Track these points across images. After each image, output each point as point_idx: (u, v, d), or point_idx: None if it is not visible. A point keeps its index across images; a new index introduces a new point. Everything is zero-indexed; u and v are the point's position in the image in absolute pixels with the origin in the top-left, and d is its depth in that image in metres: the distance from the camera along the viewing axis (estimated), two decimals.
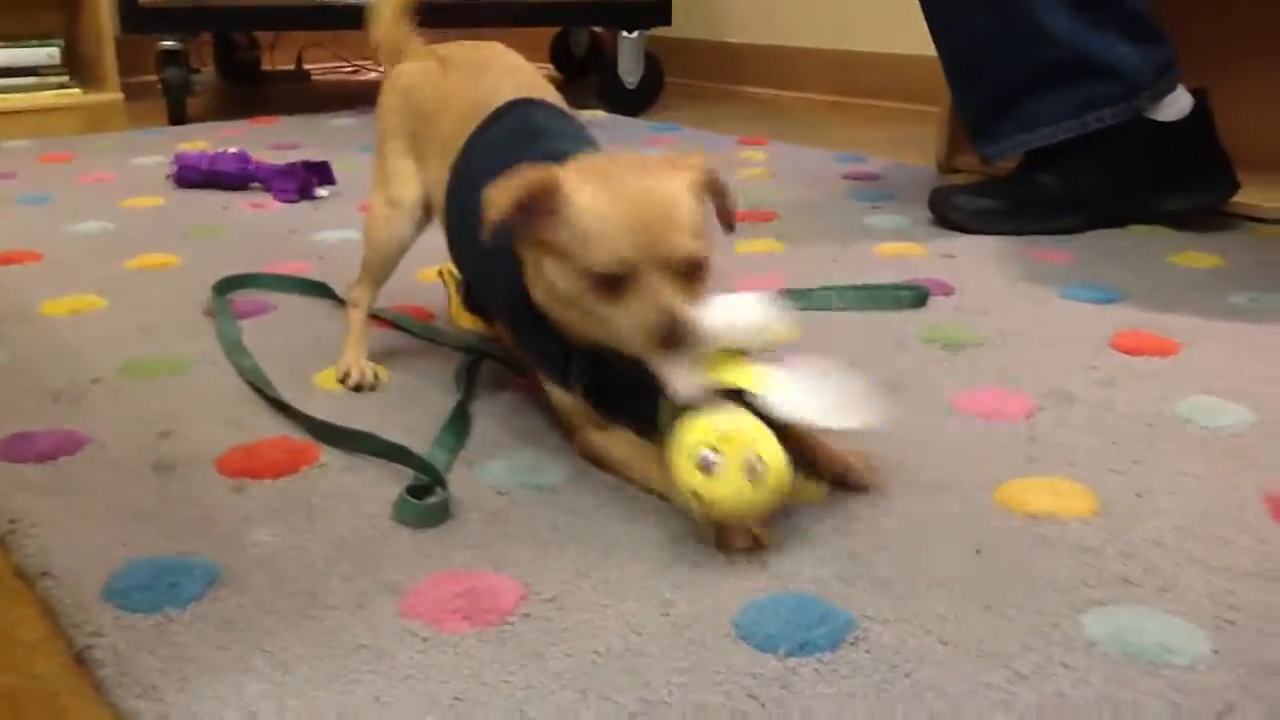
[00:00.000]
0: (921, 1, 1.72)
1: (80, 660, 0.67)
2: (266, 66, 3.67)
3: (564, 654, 0.66)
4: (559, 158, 0.87)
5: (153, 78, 2.89)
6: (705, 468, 0.72)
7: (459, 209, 0.94)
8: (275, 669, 0.65)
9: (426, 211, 1.06)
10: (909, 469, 0.90)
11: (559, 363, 0.87)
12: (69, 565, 0.75)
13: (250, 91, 3.44)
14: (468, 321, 0.97)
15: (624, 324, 0.77)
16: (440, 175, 0.98)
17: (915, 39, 1.76)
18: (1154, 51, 1.63)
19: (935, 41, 1.75)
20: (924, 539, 0.79)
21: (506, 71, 1.02)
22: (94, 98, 3.11)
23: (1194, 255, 1.54)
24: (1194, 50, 1.72)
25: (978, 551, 0.78)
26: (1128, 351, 1.16)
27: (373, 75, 3.77)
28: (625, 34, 2.87)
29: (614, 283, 0.77)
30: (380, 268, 1.09)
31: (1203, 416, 1.00)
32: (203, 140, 2.39)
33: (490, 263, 0.90)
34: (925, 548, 0.78)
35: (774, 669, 0.65)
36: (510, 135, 0.94)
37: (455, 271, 1.01)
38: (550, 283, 0.82)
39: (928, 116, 2.38)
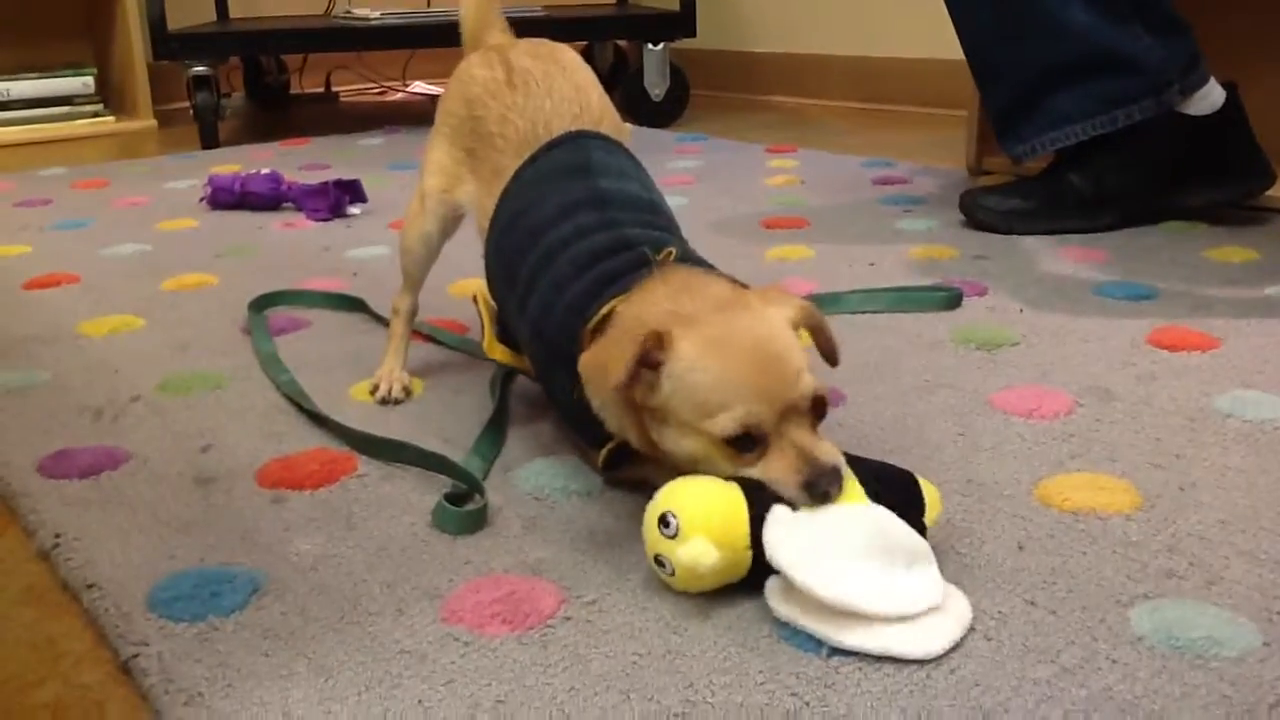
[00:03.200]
0: (948, 3, 1.72)
1: (126, 670, 0.67)
2: (295, 90, 3.71)
3: (605, 656, 0.66)
4: (607, 199, 0.87)
5: (184, 104, 2.93)
6: (665, 526, 0.70)
7: (499, 244, 0.93)
8: (318, 675, 0.65)
9: (452, 206, 1.04)
10: (949, 467, 0.89)
11: (597, 441, 0.85)
12: (113, 577, 0.76)
13: (280, 115, 3.47)
14: (500, 354, 0.96)
15: (769, 479, 0.72)
16: (489, 202, 0.96)
17: (938, 44, 1.76)
18: (1179, 43, 1.62)
19: (960, 40, 1.74)
20: (966, 536, 0.78)
21: (571, 93, 0.98)
22: (127, 125, 3.15)
23: (1229, 249, 1.52)
24: (1224, 42, 1.71)
25: (1020, 548, 0.77)
26: (1166, 347, 1.15)
27: (399, 95, 3.80)
28: (650, 46, 2.88)
29: (748, 443, 0.72)
30: (412, 268, 1.09)
31: (1244, 410, 0.99)
32: (234, 163, 2.41)
33: (546, 354, 0.87)
34: (967, 545, 0.77)
35: (817, 668, 0.64)
36: (559, 170, 0.92)
37: (490, 300, 0.99)
38: (665, 445, 0.76)
39: (954, 121, 2.37)
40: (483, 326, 0.96)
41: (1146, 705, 0.61)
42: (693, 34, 2.93)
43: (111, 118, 3.17)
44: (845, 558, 0.67)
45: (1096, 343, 1.18)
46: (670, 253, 0.82)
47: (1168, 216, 1.67)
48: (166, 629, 0.69)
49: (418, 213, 1.06)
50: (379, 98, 3.81)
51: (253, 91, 3.54)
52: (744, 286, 0.82)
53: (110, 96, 3.21)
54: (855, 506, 0.70)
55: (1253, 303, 1.30)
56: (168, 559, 0.78)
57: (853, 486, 0.71)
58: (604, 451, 0.84)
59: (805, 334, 0.80)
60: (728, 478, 0.72)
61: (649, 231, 0.86)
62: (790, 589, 0.67)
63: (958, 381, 1.08)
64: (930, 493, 0.74)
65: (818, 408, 0.74)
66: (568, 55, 1.03)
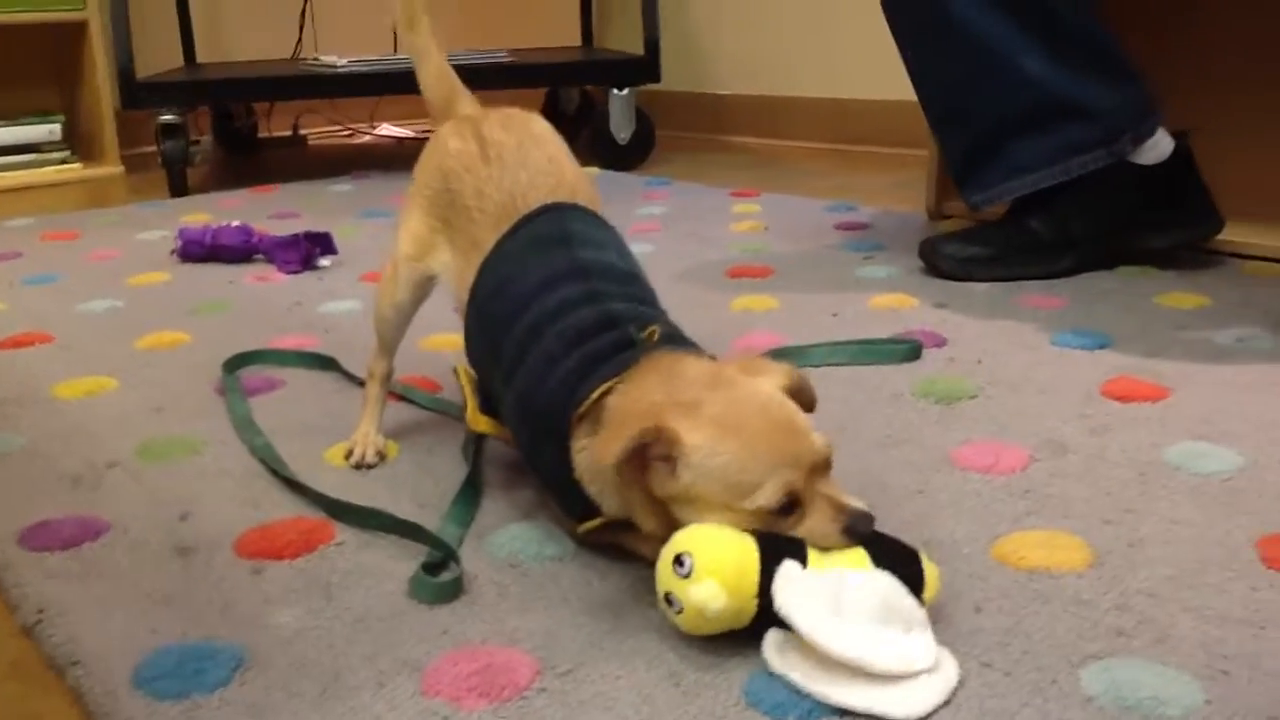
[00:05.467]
0: (900, 49, 1.77)
1: None
2: (263, 133, 3.73)
3: None
4: (588, 270, 0.90)
5: (151, 149, 2.94)
6: (679, 565, 0.74)
7: (482, 314, 0.96)
8: None
9: (424, 274, 1.06)
10: (910, 525, 0.92)
11: (578, 515, 0.88)
12: (97, 653, 0.77)
13: (248, 159, 3.49)
14: (483, 425, 0.98)
15: (811, 533, 0.76)
16: (468, 273, 0.98)
17: (902, 85, 1.80)
18: (1132, 93, 1.68)
19: (916, 89, 1.79)
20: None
21: (545, 165, 1.01)
22: (94, 171, 3.16)
23: (1180, 296, 1.57)
24: (1177, 90, 1.77)
25: (977, 610, 0.80)
26: (1118, 398, 1.19)
27: (367, 138, 3.83)
28: (616, 91, 2.92)
29: (789, 508, 0.75)
30: (386, 333, 1.11)
31: (1192, 463, 1.03)
32: (204, 213, 2.43)
33: (533, 428, 0.89)
34: (928, 606, 0.80)
35: None
36: (538, 241, 0.95)
37: (471, 372, 1.02)
38: (679, 522, 0.79)
39: (916, 160, 2.42)
40: (464, 398, 0.99)
41: None
42: (657, 79, 2.98)
43: (79, 164, 3.17)
44: (850, 617, 0.71)
45: (1052, 394, 1.21)
46: (654, 331, 0.85)
47: (1122, 260, 1.72)
48: (152, 708, 0.71)
49: (390, 279, 1.08)
50: (347, 140, 3.83)
51: (221, 136, 3.55)
52: (713, 359, 0.85)
53: (77, 143, 3.22)
54: (860, 571, 0.74)
55: (1202, 351, 1.34)
56: (150, 633, 0.80)
57: (858, 552, 0.75)
58: (586, 525, 0.87)
59: None
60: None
61: (633, 306, 0.90)
62: (787, 646, 0.72)
63: (918, 437, 1.11)
64: (930, 571, 0.77)
65: (829, 465, 0.78)
66: (539, 126, 1.06)
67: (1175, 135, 1.70)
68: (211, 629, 0.80)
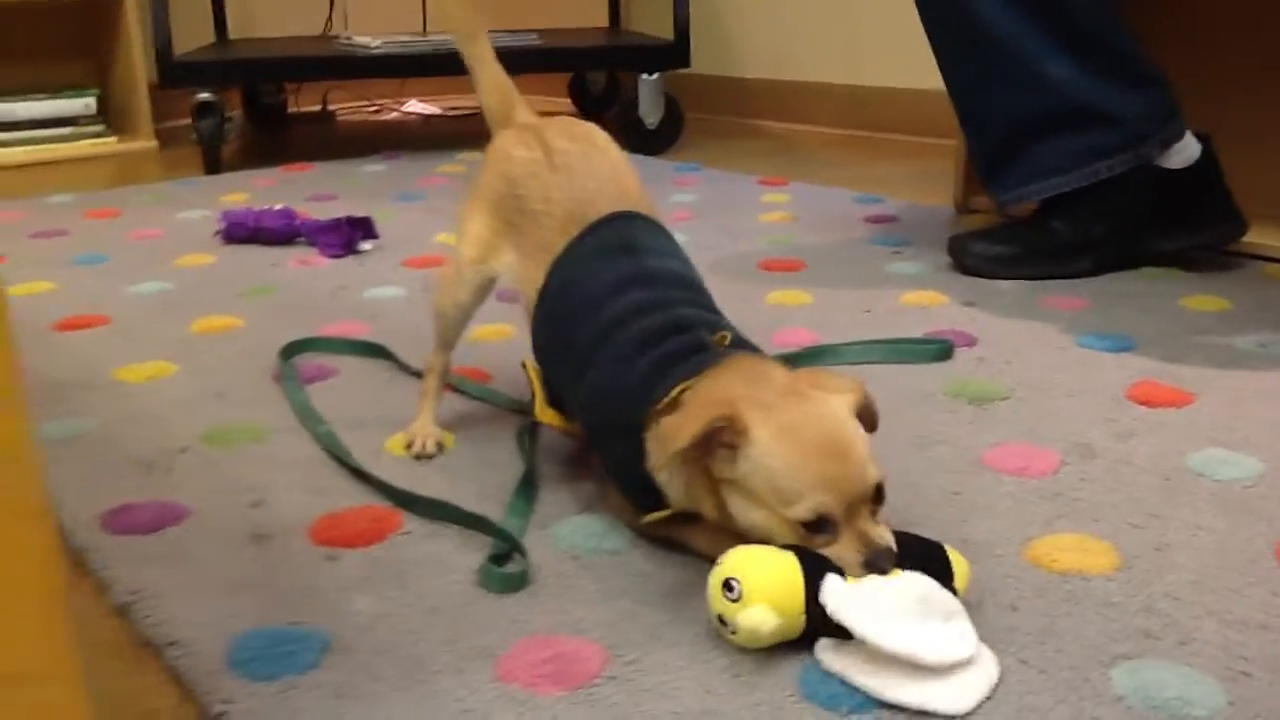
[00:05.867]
0: (934, 50, 1.80)
1: None
2: (292, 109, 3.78)
3: (647, 715, 0.74)
4: (655, 277, 0.96)
5: (182, 122, 2.99)
6: (729, 590, 0.79)
7: (551, 314, 1.01)
8: None
9: (487, 275, 1.11)
10: (947, 526, 0.97)
11: (645, 508, 0.92)
12: (191, 635, 0.83)
13: (277, 135, 3.53)
14: (550, 418, 1.03)
15: (835, 556, 0.80)
16: (536, 274, 1.03)
17: (922, 73, 1.84)
18: (1157, 97, 1.71)
19: (947, 88, 1.83)
20: (964, 598, 0.86)
21: (609, 175, 1.06)
22: (129, 146, 3.21)
23: (1202, 298, 1.61)
24: (1198, 93, 1.80)
25: (1013, 608, 0.85)
26: (1143, 403, 1.24)
27: (394, 115, 3.87)
28: (645, 76, 2.95)
29: (820, 527, 0.80)
30: (447, 330, 1.16)
31: (1214, 469, 1.08)
32: (241, 192, 2.48)
33: (606, 424, 0.94)
34: (967, 606, 0.85)
35: None
36: (606, 248, 1.00)
37: (537, 367, 1.07)
38: (724, 507, 0.85)
39: (942, 150, 2.46)
40: (532, 393, 1.04)
41: None
42: (687, 64, 3.01)
43: (114, 139, 3.22)
44: (896, 616, 0.76)
45: (1079, 397, 1.26)
46: (725, 336, 0.91)
47: (1145, 262, 1.77)
48: (249, 687, 0.77)
49: (453, 280, 1.13)
50: (374, 116, 3.87)
51: (250, 111, 3.60)
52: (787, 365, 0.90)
53: (111, 117, 3.27)
54: (897, 575, 0.79)
55: (1224, 356, 1.38)
56: (237, 616, 0.86)
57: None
58: (652, 517, 0.92)
59: None
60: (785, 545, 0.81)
61: (700, 312, 0.96)
62: (840, 647, 0.77)
63: (951, 438, 1.16)
64: (958, 561, 0.83)
65: (879, 495, 0.82)
66: (600, 136, 1.11)
67: (1199, 138, 1.74)
68: (295, 614, 0.86)
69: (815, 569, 0.79)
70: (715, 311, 0.99)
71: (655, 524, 0.92)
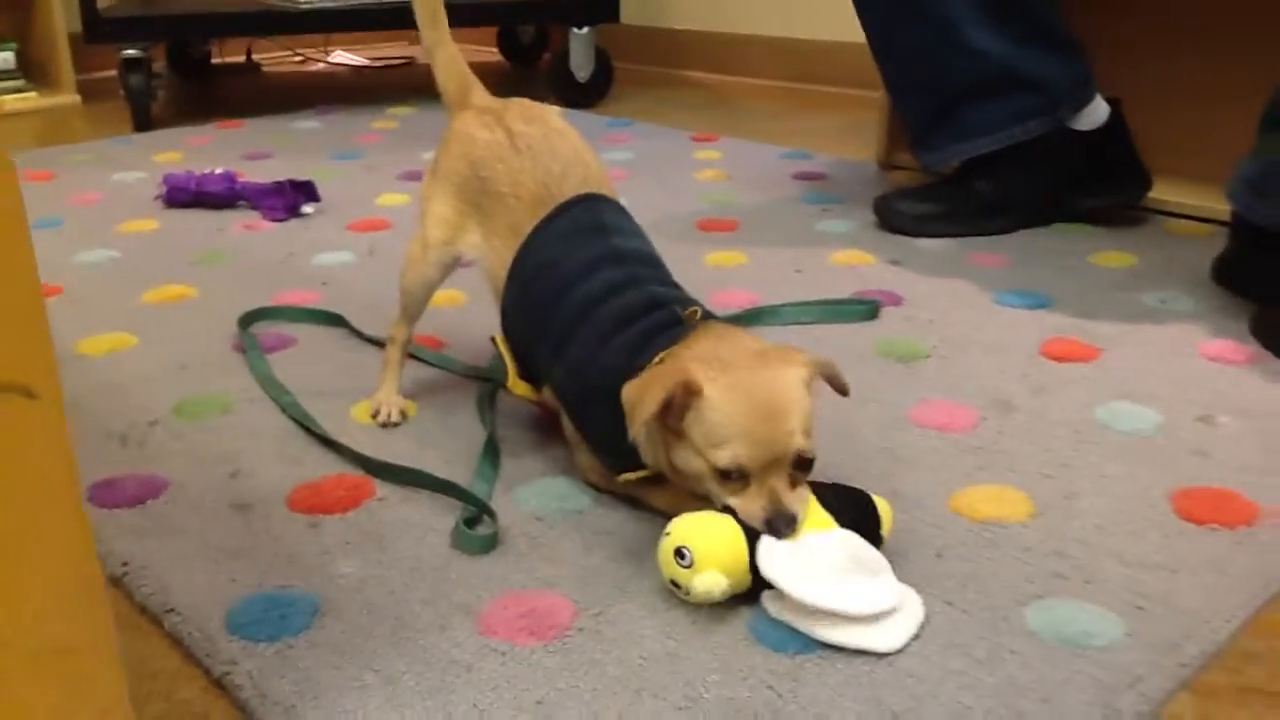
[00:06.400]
0: (861, 19, 1.88)
1: (219, 685, 0.81)
2: (216, 59, 3.73)
3: (617, 661, 0.82)
4: (625, 256, 1.02)
5: (104, 74, 2.95)
6: (680, 557, 0.86)
7: (524, 293, 1.07)
8: (386, 685, 0.80)
9: (453, 255, 1.17)
10: (878, 480, 1.06)
11: (620, 469, 1.00)
12: (188, 602, 0.89)
13: (203, 87, 3.50)
14: (522, 390, 1.10)
15: (739, 508, 0.88)
16: (505, 255, 1.08)
17: (852, 27, 1.91)
18: (1072, 64, 1.81)
19: (875, 57, 1.91)
20: (895, 546, 0.95)
21: (573, 157, 1.11)
22: (51, 101, 3.16)
23: (1112, 254, 1.72)
24: (1110, 57, 1.91)
25: (939, 556, 0.95)
26: (1056, 359, 1.34)
27: (321, 66, 3.84)
28: (576, 30, 2.98)
29: (733, 476, 0.88)
30: (412, 306, 1.21)
31: (1119, 421, 1.18)
32: (175, 151, 2.48)
33: (587, 395, 1.00)
34: (897, 554, 0.94)
35: (786, 666, 0.81)
36: (577, 229, 1.06)
37: (506, 341, 1.12)
38: (671, 456, 0.92)
39: (865, 102, 2.54)
40: (504, 366, 1.10)
41: (1038, 689, 0.79)
42: (616, 19, 3.05)
43: (34, 93, 3.17)
44: (824, 572, 0.84)
45: (998, 354, 1.36)
46: (696, 310, 0.98)
47: (1060, 219, 1.87)
48: (249, 649, 0.83)
49: (419, 259, 1.18)
50: (301, 68, 3.84)
51: (174, 63, 3.55)
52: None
53: (31, 71, 3.21)
54: (826, 532, 0.87)
55: (1131, 312, 1.49)
56: (230, 583, 0.92)
57: (819, 514, 0.89)
58: (627, 476, 0.99)
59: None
60: (721, 507, 0.89)
61: (668, 289, 1.03)
62: (782, 597, 0.85)
63: (880, 396, 1.25)
64: (883, 508, 0.92)
65: (802, 463, 0.90)
66: (556, 118, 1.17)
67: (1109, 102, 1.84)
68: (285, 579, 0.92)
69: (754, 533, 0.87)
70: (677, 287, 1.06)
71: (628, 483, 1.00)
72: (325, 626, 0.86)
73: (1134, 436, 1.15)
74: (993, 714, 0.77)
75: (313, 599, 0.89)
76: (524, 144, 1.11)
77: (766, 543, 0.86)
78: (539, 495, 1.05)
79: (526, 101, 1.19)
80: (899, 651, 0.83)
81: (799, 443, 0.89)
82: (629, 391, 0.91)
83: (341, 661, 0.82)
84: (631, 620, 0.87)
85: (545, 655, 0.83)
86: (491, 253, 1.11)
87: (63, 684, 0.63)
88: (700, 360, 0.91)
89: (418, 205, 1.22)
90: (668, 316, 0.98)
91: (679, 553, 0.86)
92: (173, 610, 0.88)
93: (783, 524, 0.87)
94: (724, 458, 0.88)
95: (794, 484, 0.89)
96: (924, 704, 0.78)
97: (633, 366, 0.95)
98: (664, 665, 0.82)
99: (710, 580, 0.85)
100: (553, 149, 1.11)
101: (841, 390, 0.96)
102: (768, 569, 0.85)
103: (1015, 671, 0.81)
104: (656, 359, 0.94)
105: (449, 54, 1.23)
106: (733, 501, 0.89)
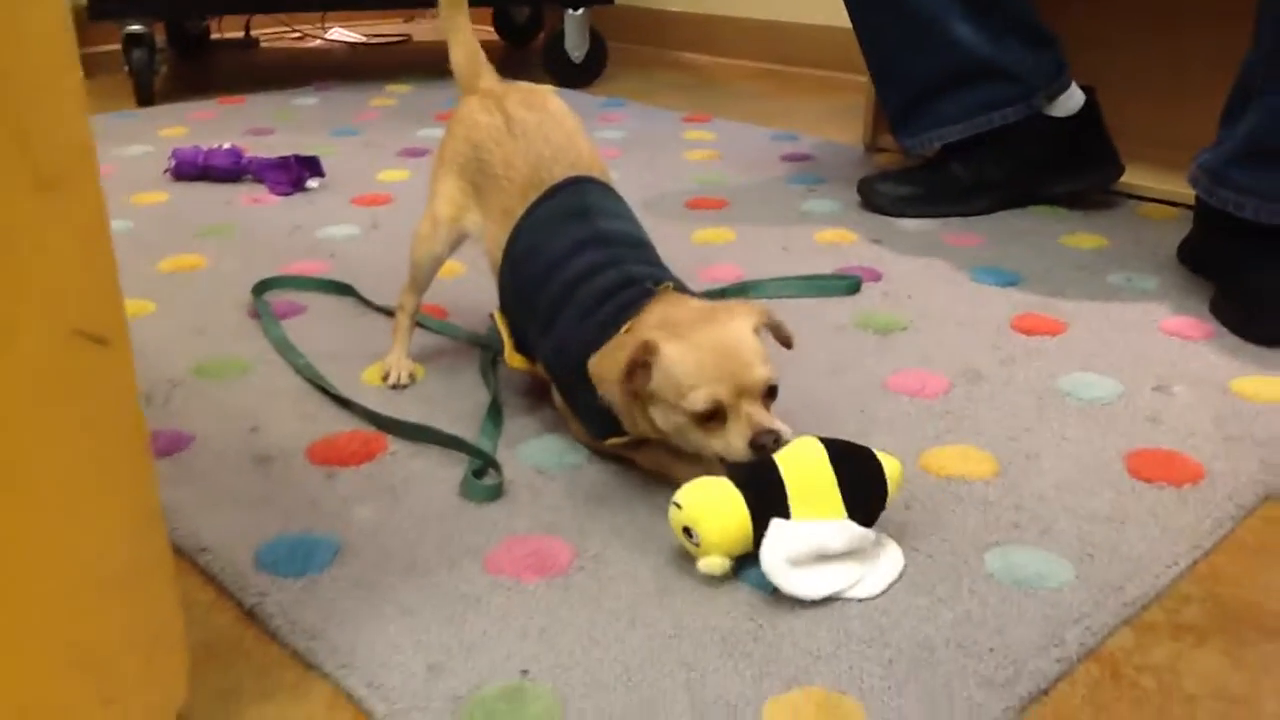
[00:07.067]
0: (847, 8, 1.96)
1: (251, 615, 0.90)
2: (215, 35, 3.78)
3: (613, 596, 0.90)
4: (608, 239, 1.09)
5: (102, 48, 3.00)
6: (689, 535, 0.93)
7: (516, 274, 1.14)
8: (404, 615, 0.88)
9: (460, 232, 1.24)
10: (854, 439, 1.14)
11: (603, 432, 1.07)
12: (219, 543, 0.97)
13: (201, 62, 3.55)
14: (518, 362, 1.16)
15: (727, 443, 0.95)
16: (500, 236, 1.16)
17: (837, 11, 1.99)
18: (1047, 55, 1.89)
19: (861, 45, 1.98)
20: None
21: (564, 142, 1.18)
22: None
23: (1083, 236, 1.81)
24: (1085, 45, 1.99)
25: (907, 507, 1.03)
26: (1024, 332, 1.43)
27: (317, 42, 3.90)
28: (572, 11, 3.05)
29: (712, 416, 0.96)
30: (421, 278, 1.29)
31: (1080, 390, 1.27)
32: (179, 126, 2.55)
33: (571, 370, 1.06)
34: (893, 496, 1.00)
35: (765, 600, 0.90)
36: (564, 212, 1.13)
37: (504, 317, 1.19)
38: (653, 421, 0.99)
39: (849, 85, 2.62)
40: (501, 340, 1.17)
41: (993, 623, 0.88)
42: (610, 0, 3.11)
43: None
44: (824, 568, 0.90)
45: (969, 327, 1.45)
46: (668, 286, 1.05)
47: (1034, 202, 1.96)
48: (277, 583, 0.92)
49: (429, 235, 1.25)
50: (298, 44, 3.90)
51: (173, 38, 3.60)
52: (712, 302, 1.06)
53: None
54: (833, 522, 0.92)
55: (1097, 290, 1.58)
56: (256, 526, 1.00)
57: (833, 500, 0.93)
58: (611, 441, 1.07)
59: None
60: (720, 463, 0.96)
61: (647, 268, 1.10)
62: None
63: (858, 364, 1.34)
64: (891, 466, 0.96)
65: (770, 392, 0.98)
66: (555, 104, 1.23)
67: (1083, 90, 1.92)
68: (307, 524, 1.00)
69: (761, 513, 0.92)
70: (660, 265, 1.14)
71: (615, 446, 1.08)
72: (346, 564, 0.95)
73: (1093, 404, 1.24)
74: (950, 643, 0.85)
75: (333, 540, 0.97)
76: (519, 129, 1.18)
77: (773, 529, 0.91)
78: (540, 451, 1.13)
79: (530, 86, 1.26)
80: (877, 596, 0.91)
81: (761, 371, 0.97)
82: (593, 365, 0.99)
83: (362, 595, 0.90)
84: (625, 561, 0.95)
85: (547, 590, 0.91)
86: (489, 234, 1.19)
87: (128, 604, 0.71)
88: (654, 325, 0.99)
89: (426, 184, 1.30)
90: (638, 293, 1.05)
91: (687, 531, 0.93)
92: (205, 549, 0.96)
93: (768, 440, 0.95)
94: (699, 399, 0.95)
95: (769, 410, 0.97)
96: (888, 633, 0.86)
97: (603, 341, 1.02)
98: (655, 600, 0.90)
99: (715, 564, 0.91)
100: (545, 134, 1.18)
101: (784, 340, 1.04)
102: (766, 565, 0.90)
103: (973, 608, 0.89)
104: (621, 332, 1.02)
105: (465, 36, 1.29)
106: (717, 444, 0.96)
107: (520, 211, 1.15)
